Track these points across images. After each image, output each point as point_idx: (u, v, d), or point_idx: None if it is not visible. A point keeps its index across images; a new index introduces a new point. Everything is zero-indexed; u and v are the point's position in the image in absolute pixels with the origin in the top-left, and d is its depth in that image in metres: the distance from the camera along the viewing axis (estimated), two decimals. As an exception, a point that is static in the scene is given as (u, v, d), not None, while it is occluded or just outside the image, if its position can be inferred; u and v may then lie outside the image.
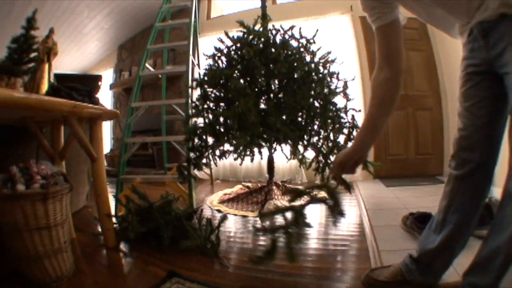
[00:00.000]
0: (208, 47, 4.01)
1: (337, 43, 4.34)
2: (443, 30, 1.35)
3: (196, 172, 2.83)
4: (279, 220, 1.49)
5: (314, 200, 1.47)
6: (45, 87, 1.95)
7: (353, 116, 2.84)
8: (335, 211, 1.44)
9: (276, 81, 2.90)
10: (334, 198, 1.45)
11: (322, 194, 1.51)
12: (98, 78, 2.48)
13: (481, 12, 1.08)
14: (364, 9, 1.38)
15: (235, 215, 2.94)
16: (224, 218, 2.20)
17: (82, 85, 2.11)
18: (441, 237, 1.30)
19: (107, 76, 6.94)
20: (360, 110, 2.95)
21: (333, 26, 4.59)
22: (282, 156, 3.34)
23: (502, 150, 1.18)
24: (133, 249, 2.11)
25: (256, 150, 3.03)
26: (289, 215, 1.47)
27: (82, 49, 5.91)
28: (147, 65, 3.74)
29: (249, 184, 4.16)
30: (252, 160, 3.07)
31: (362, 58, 4.46)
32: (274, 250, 1.45)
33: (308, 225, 1.45)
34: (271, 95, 2.90)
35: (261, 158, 3.22)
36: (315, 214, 2.90)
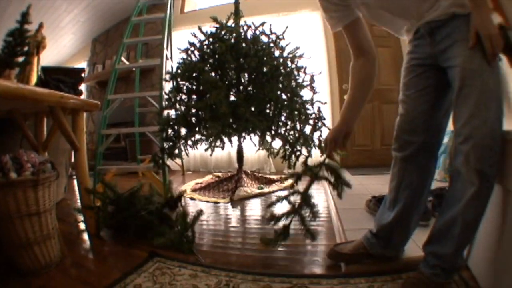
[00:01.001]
0: (181, 41, 4.09)
1: (307, 39, 4.52)
2: (391, 31, 1.48)
3: (168, 163, 2.94)
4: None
5: (317, 178, 1.56)
6: (34, 79, 2.01)
7: (319, 108, 2.96)
8: (341, 184, 1.55)
9: (246, 75, 3.01)
10: (336, 173, 1.55)
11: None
12: (81, 70, 2.54)
13: (431, 13, 1.19)
14: (325, 11, 1.46)
15: (207, 201, 3.08)
16: (200, 213, 2.07)
17: (67, 77, 2.17)
18: (394, 213, 1.42)
19: (81, 69, 6.78)
20: (325, 103, 3.06)
21: (303, 22, 4.74)
22: (251, 147, 3.47)
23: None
24: (114, 235, 2.15)
25: (226, 139, 3.17)
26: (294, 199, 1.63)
27: (57, 42, 5.84)
28: (122, 58, 3.78)
29: (219, 174, 4.27)
30: (223, 148, 3.23)
31: (330, 53, 4.63)
32: (286, 233, 1.64)
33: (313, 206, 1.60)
34: (241, 88, 3.00)
35: (232, 146, 3.36)
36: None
